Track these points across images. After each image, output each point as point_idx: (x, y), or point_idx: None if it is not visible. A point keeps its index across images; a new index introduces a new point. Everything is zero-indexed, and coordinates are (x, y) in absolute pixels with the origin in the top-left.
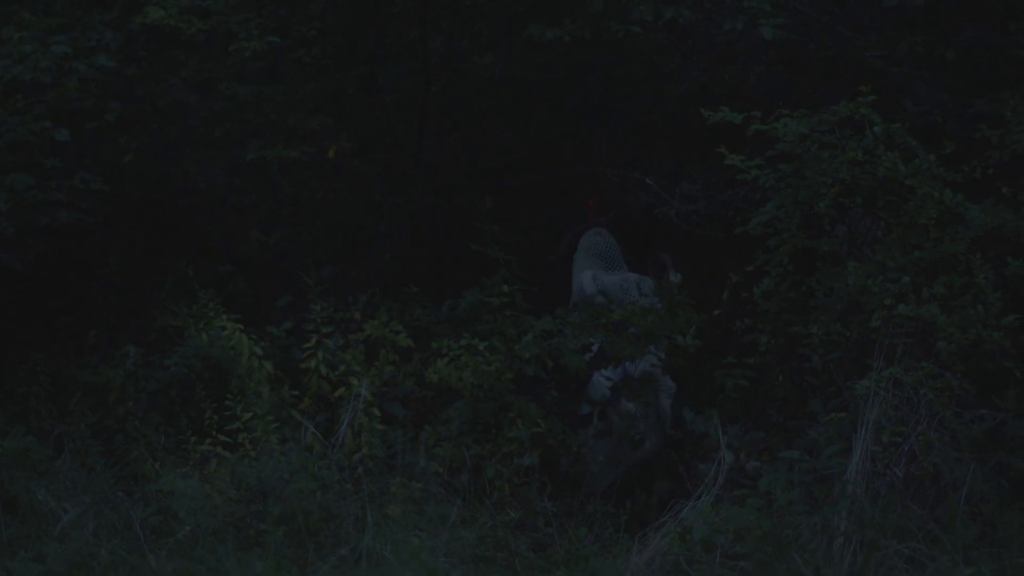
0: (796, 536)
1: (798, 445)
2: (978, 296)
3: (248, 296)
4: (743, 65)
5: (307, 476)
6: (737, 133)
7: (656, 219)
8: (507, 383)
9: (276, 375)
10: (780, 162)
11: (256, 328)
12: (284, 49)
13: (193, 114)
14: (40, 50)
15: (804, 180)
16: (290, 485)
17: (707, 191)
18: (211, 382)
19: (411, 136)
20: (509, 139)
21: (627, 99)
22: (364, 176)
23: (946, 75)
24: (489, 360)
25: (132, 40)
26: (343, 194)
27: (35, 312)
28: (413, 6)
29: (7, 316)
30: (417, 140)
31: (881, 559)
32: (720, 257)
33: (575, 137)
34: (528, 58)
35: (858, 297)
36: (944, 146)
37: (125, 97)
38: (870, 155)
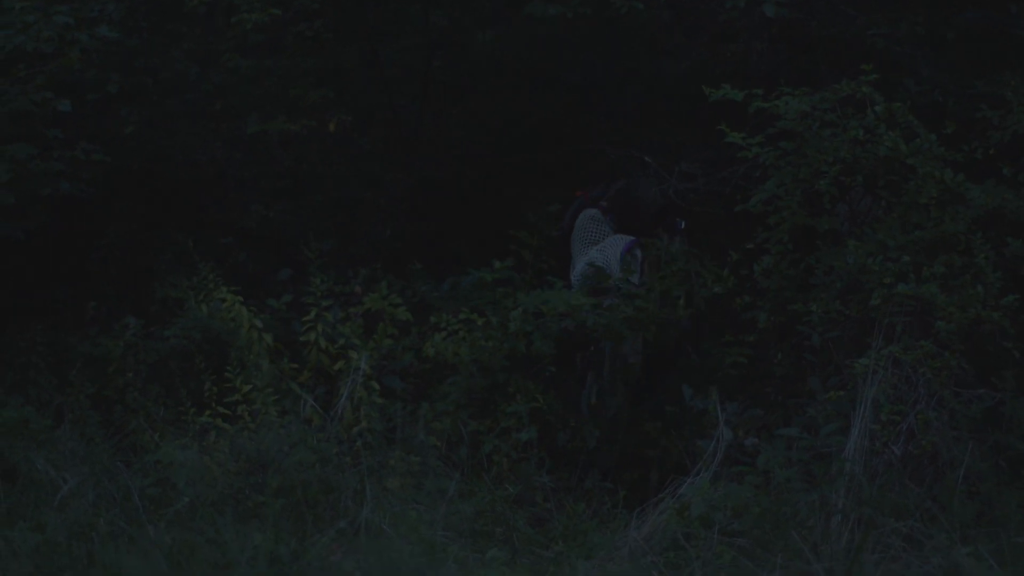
0: (794, 513)
1: (797, 423)
2: (978, 276)
3: (248, 269)
4: (745, 43)
5: (306, 449)
6: (738, 111)
7: (665, 214)
8: (501, 359)
9: (276, 347)
10: (781, 140)
11: (256, 301)
12: (286, 22)
13: (194, 87)
14: (42, 20)
15: (805, 158)
16: (289, 457)
17: (707, 169)
18: (211, 354)
19: (411, 111)
20: (509, 115)
21: (628, 76)
22: (364, 150)
23: (947, 55)
24: (487, 335)
25: (134, 11)
26: (343, 167)
27: (35, 283)
28: None
29: (7, 287)
30: (417, 115)
31: (879, 537)
32: (719, 235)
33: (575, 114)
34: (529, 34)
35: (858, 276)
36: (945, 126)
37: (126, 69)
38: (871, 134)
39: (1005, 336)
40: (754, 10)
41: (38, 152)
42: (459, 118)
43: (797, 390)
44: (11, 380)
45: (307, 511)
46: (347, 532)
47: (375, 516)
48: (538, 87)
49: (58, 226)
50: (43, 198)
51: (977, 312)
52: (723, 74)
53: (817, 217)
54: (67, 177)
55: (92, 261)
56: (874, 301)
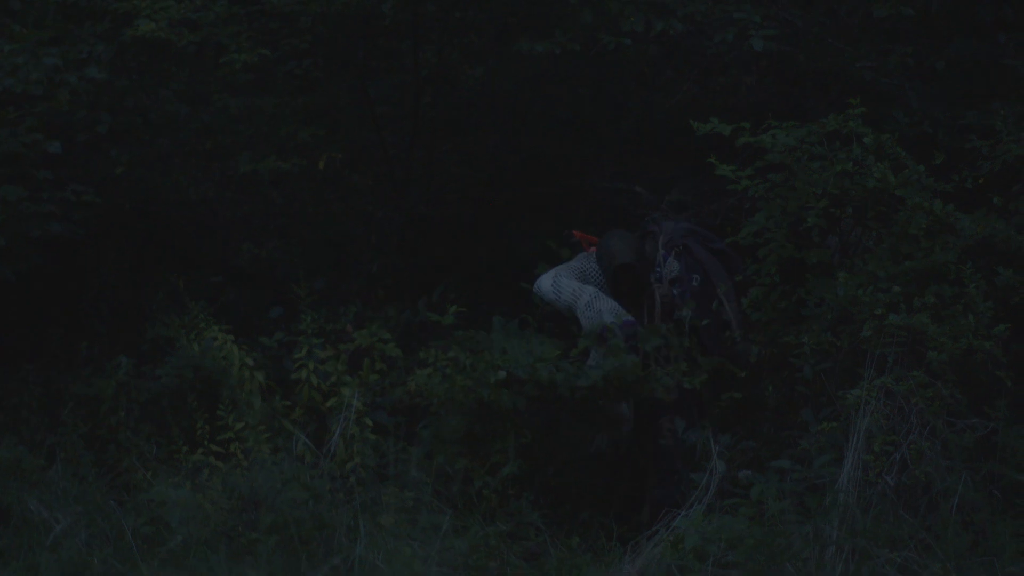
0: (788, 545)
1: (789, 455)
2: (969, 306)
3: (239, 307)
4: (734, 77)
5: (299, 485)
6: (728, 144)
7: (627, 273)
8: (474, 399)
9: (268, 385)
10: (770, 172)
11: (248, 339)
12: (275, 61)
13: (184, 126)
14: (31, 62)
15: (794, 191)
16: (282, 494)
17: (697, 200)
18: (202, 392)
19: (402, 147)
20: (500, 150)
21: (618, 111)
22: (355, 187)
23: (936, 86)
24: (464, 378)
25: (123, 52)
26: (334, 205)
27: (27, 323)
28: (403, 19)
29: None
30: (408, 152)
31: (873, 568)
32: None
33: (567, 148)
34: (518, 70)
35: (849, 307)
36: (935, 156)
37: (116, 109)
38: (860, 166)
39: (997, 365)
40: (742, 44)
41: (28, 194)
42: (450, 154)
43: (790, 422)
44: (3, 420)
45: (301, 548)
46: (341, 569)
47: (369, 553)
48: (528, 122)
49: (49, 267)
50: (34, 239)
51: (969, 342)
52: (712, 107)
53: (807, 249)
54: (58, 218)
55: (84, 301)
56: (865, 332)
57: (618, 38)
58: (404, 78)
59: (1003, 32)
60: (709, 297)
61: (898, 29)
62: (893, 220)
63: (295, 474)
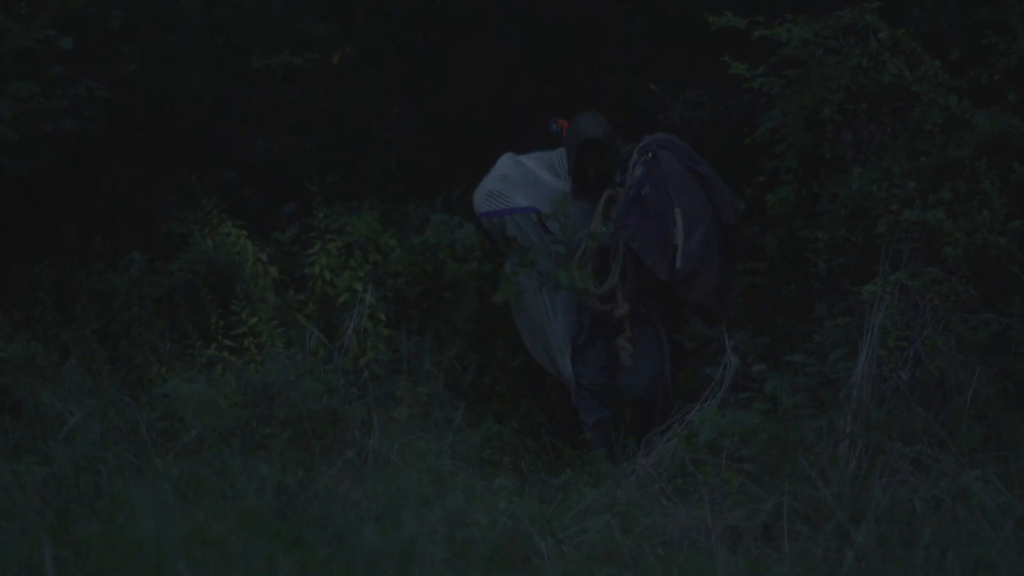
0: (802, 439)
1: (804, 349)
2: (984, 202)
3: (253, 203)
4: None
5: (313, 380)
6: (743, 41)
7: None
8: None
9: (282, 279)
10: (785, 69)
11: (261, 234)
12: None
13: (197, 23)
14: None
15: (809, 86)
16: (295, 389)
17: (712, 97)
18: (216, 288)
19: (416, 45)
20: (516, 49)
21: (635, 7)
22: (368, 84)
23: None
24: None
25: None
26: (348, 102)
27: (40, 219)
28: None
29: (13, 224)
30: (422, 49)
31: (886, 462)
32: (726, 163)
33: (582, 47)
34: None
35: (863, 203)
36: (950, 53)
37: (128, 5)
38: (875, 61)
39: (1012, 261)
40: None
41: (41, 90)
42: (465, 52)
43: (804, 317)
44: (17, 316)
45: (314, 442)
46: (354, 462)
47: (382, 446)
48: (543, 21)
49: (63, 163)
50: (47, 136)
51: (984, 237)
52: (727, 2)
53: (822, 145)
54: (70, 115)
55: (97, 197)
56: (880, 228)
57: None
58: None
59: None
60: (661, 214)
61: None
62: (908, 116)
63: (309, 368)
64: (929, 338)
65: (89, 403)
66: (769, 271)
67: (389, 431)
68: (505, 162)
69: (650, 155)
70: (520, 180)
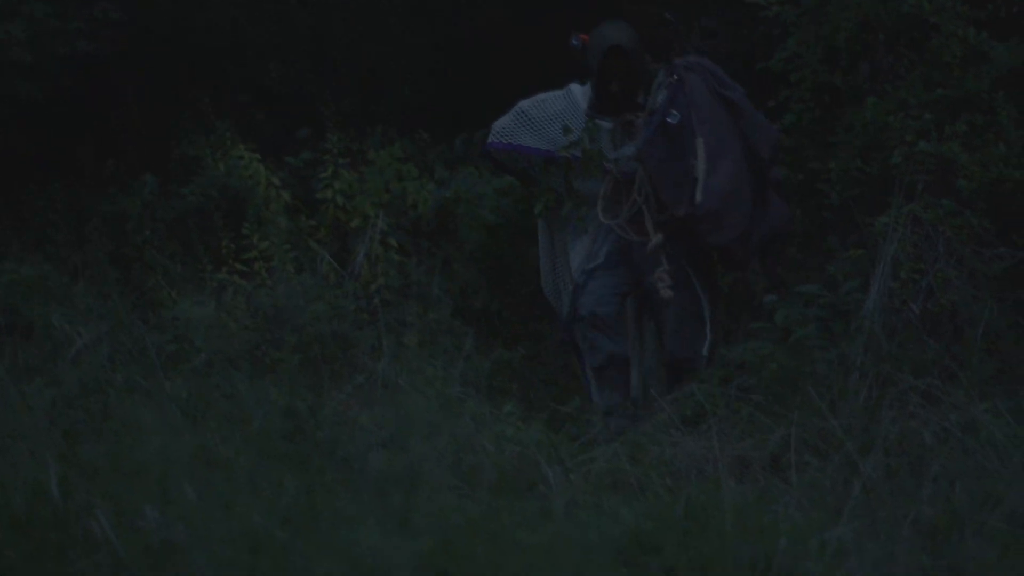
0: (812, 370)
1: (816, 280)
2: (1000, 135)
3: (267, 127)
4: None
5: (323, 304)
6: None
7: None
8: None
9: (295, 204)
10: None
11: (274, 159)
12: None
13: None
14: None
15: (827, 16)
16: (306, 312)
17: (727, 26)
18: (228, 212)
19: None
20: None
21: None
22: (383, 8)
23: None
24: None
25: None
26: (363, 26)
27: (53, 142)
28: None
29: (25, 145)
30: None
31: (896, 394)
32: None
33: None
34: None
35: (878, 134)
36: None
37: None
38: None
39: None
40: None
41: (55, 11)
42: None
43: (817, 248)
44: (29, 238)
45: (324, 367)
46: (364, 387)
47: (392, 371)
48: None
49: (77, 86)
50: (61, 58)
51: (999, 171)
52: None
53: (837, 74)
54: (85, 36)
55: (111, 120)
56: (895, 159)
57: None
58: None
59: None
60: (683, 144)
61: None
62: (926, 47)
63: (319, 293)
64: (942, 271)
65: (99, 325)
66: None
67: (399, 357)
68: (536, 98)
69: (676, 78)
70: (542, 119)
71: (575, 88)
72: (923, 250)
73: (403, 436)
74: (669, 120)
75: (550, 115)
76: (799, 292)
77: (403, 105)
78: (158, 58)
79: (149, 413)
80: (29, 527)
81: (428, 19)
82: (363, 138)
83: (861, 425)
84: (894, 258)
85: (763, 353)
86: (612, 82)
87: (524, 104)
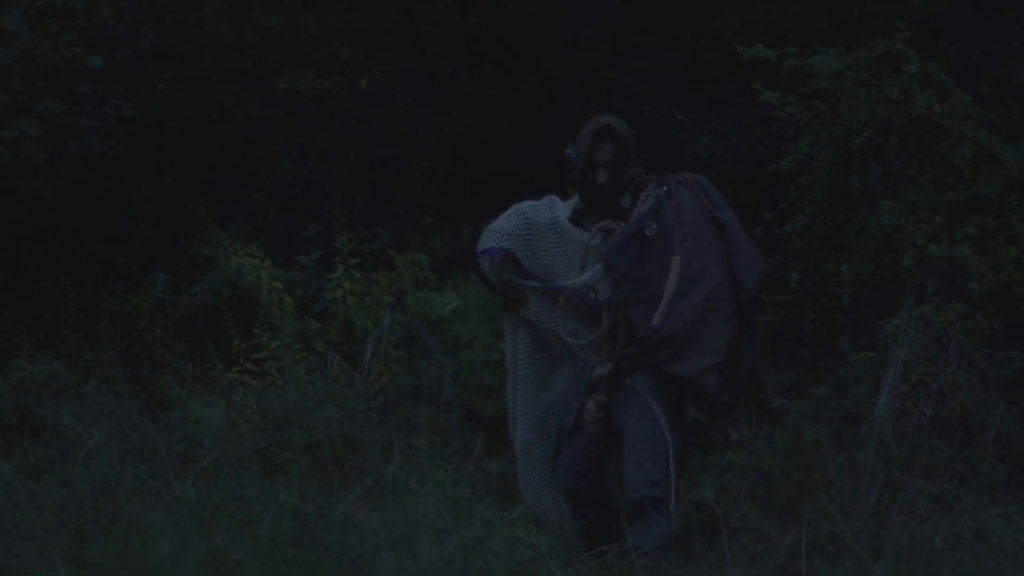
0: (822, 474)
1: (827, 383)
2: (1011, 238)
3: (278, 226)
4: (782, 2)
5: (333, 405)
6: (773, 72)
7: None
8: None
9: (304, 303)
10: (815, 100)
11: (285, 257)
12: None
13: (226, 44)
14: None
15: (839, 117)
16: (316, 414)
17: (739, 128)
18: (239, 310)
19: (446, 69)
20: (546, 75)
21: (666, 37)
22: (397, 108)
23: (985, 15)
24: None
25: None
26: (376, 126)
27: (65, 239)
28: None
29: (37, 242)
30: (452, 73)
31: (907, 498)
32: (751, 195)
33: (613, 74)
34: None
35: (890, 236)
36: (981, 87)
37: (158, 25)
38: (906, 93)
39: None
40: None
41: (68, 108)
42: (495, 77)
43: (828, 351)
44: (40, 335)
45: (333, 468)
46: (373, 489)
47: (402, 473)
48: (575, 47)
49: (88, 182)
50: (73, 154)
51: (1009, 273)
52: (759, 33)
53: (850, 177)
54: (97, 133)
55: (122, 217)
56: (906, 262)
57: None
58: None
59: None
60: (662, 260)
61: None
62: (937, 149)
63: (329, 394)
64: (952, 374)
65: (109, 424)
66: (792, 303)
67: (409, 458)
68: (531, 203)
69: (665, 189)
70: (532, 229)
71: (556, 200)
72: (934, 353)
73: (412, 539)
74: (647, 231)
75: (540, 225)
76: (810, 395)
77: (415, 204)
78: (170, 155)
79: (158, 515)
80: None
81: (440, 118)
82: (373, 238)
83: (872, 530)
84: (905, 361)
85: (772, 459)
86: (599, 170)
87: (527, 207)
